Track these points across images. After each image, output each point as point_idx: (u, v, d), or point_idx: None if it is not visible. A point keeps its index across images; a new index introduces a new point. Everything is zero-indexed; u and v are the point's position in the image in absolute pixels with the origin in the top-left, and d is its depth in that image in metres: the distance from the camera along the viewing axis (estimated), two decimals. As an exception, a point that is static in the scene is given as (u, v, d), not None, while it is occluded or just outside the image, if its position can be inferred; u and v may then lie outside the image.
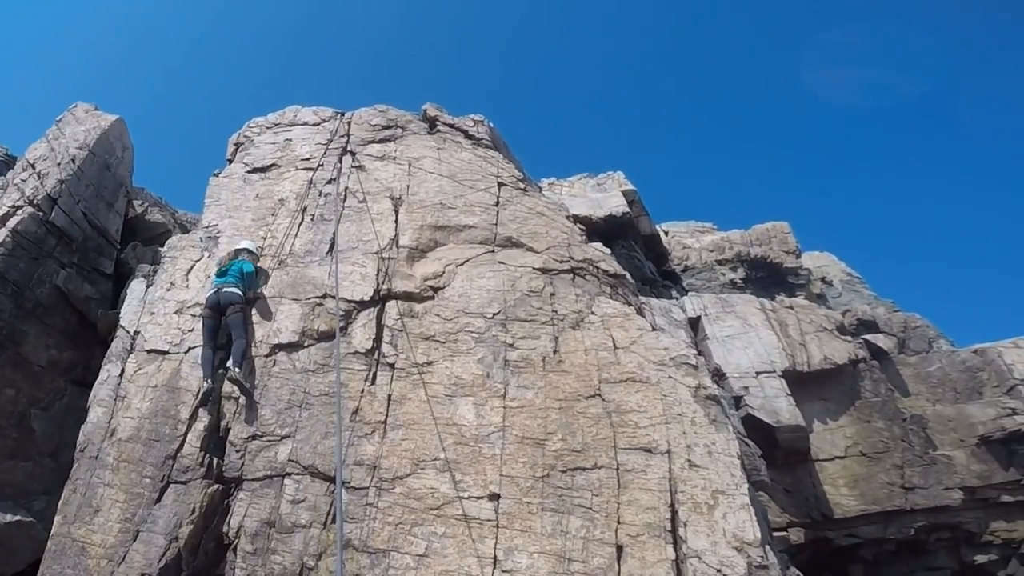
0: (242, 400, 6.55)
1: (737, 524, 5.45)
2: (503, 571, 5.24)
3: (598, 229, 12.55)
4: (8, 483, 8.34)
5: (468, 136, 10.59)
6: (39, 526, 7.55)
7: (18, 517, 7.86)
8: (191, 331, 7.36)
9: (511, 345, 6.69)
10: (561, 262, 7.80)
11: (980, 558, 15.61)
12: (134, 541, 5.93)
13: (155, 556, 5.79)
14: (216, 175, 9.89)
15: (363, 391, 6.45)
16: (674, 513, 5.54)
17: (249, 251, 7.77)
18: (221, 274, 7.41)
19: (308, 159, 9.66)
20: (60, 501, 6.45)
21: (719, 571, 5.16)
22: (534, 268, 7.61)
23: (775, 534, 12.77)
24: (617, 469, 5.80)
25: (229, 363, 6.70)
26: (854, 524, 14.92)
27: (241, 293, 7.15)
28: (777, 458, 13.91)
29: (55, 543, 6.11)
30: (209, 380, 6.69)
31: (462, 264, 7.68)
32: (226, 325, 7.03)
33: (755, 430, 13.01)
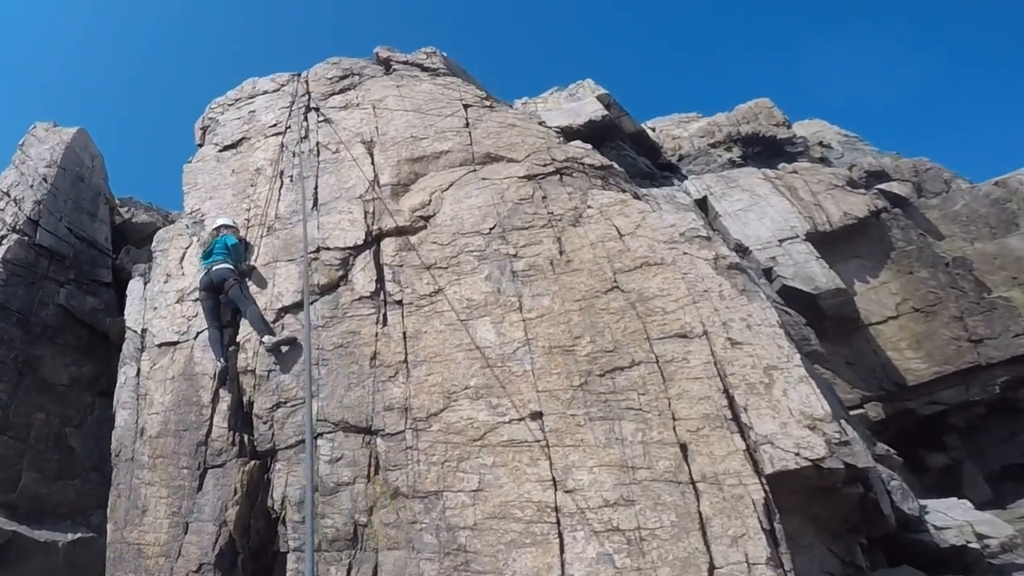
0: (260, 370, 6.34)
1: (801, 400, 4.95)
2: (566, 491, 4.85)
3: (581, 136, 12.02)
4: (62, 503, 8.40)
5: (424, 69, 10.27)
6: (100, 539, 7.58)
7: (79, 534, 7.96)
8: (196, 316, 7.17)
9: (515, 256, 6.35)
10: (545, 165, 7.45)
11: None
12: (186, 533, 5.84)
13: (208, 544, 5.69)
14: (189, 162, 9.65)
15: (376, 334, 6.16)
16: (730, 399, 5.04)
17: (227, 225, 7.50)
18: (207, 255, 7.16)
19: (275, 125, 9.35)
20: (108, 508, 6.38)
21: (797, 454, 4.69)
22: (519, 177, 7.26)
23: (853, 412, 11.73)
24: (657, 362, 5.34)
25: (251, 342, 6.46)
26: (932, 389, 13.38)
27: (231, 267, 6.87)
28: (828, 329, 12.70)
29: (112, 550, 6.07)
30: (222, 360, 6.49)
31: (447, 189, 7.35)
32: (228, 301, 6.79)
33: (795, 302, 11.89)
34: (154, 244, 8.53)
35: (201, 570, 5.60)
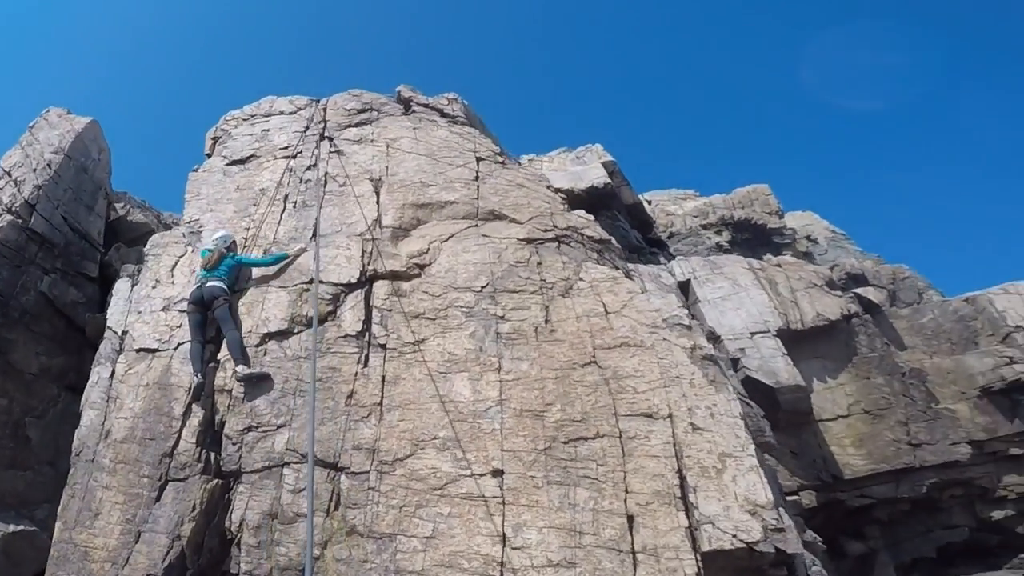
0: (236, 392, 6.45)
1: (748, 487, 5.28)
2: (513, 548, 5.10)
3: (581, 201, 12.37)
4: (9, 493, 8.28)
5: (443, 115, 10.53)
6: (43, 535, 7.49)
7: (21, 527, 7.81)
8: (179, 327, 7.24)
9: (502, 317, 6.57)
10: (545, 231, 7.70)
11: (996, 514, 15.23)
12: (136, 542, 5.84)
13: (159, 556, 5.70)
14: (195, 170, 9.80)
15: (356, 374, 6.33)
16: (682, 479, 5.37)
17: (225, 239, 7.67)
18: (212, 267, 7.27)
19: (286, 147, 9.56)
20: (60, 507, 6.35)
21: (735, 536, 5.00)
22: (519, 239, 7.50)
23: (788, 497, 12.63)
24: (620, 437, 5.64)
25: (231, 362, 6.58)
26: (865, 484, 14.62)
27: (225, 287, 7.03)
28: (780, 420, 13.68)
29: (57, 549, 6.02)
30: (200, 375, 6.57)
31: (446, 240, 7.57)
32: (213, 319, 6.92)
33: (755, 392, 12.79)
34: (147, 247, 8.60)
35: (146, 580, 5.60)
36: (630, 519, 5.17)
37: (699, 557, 4.93)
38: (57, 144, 11.45)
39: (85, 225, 11.20)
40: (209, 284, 7.02)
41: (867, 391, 15.09)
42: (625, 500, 5.27)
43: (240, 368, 6.43)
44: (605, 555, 4.98)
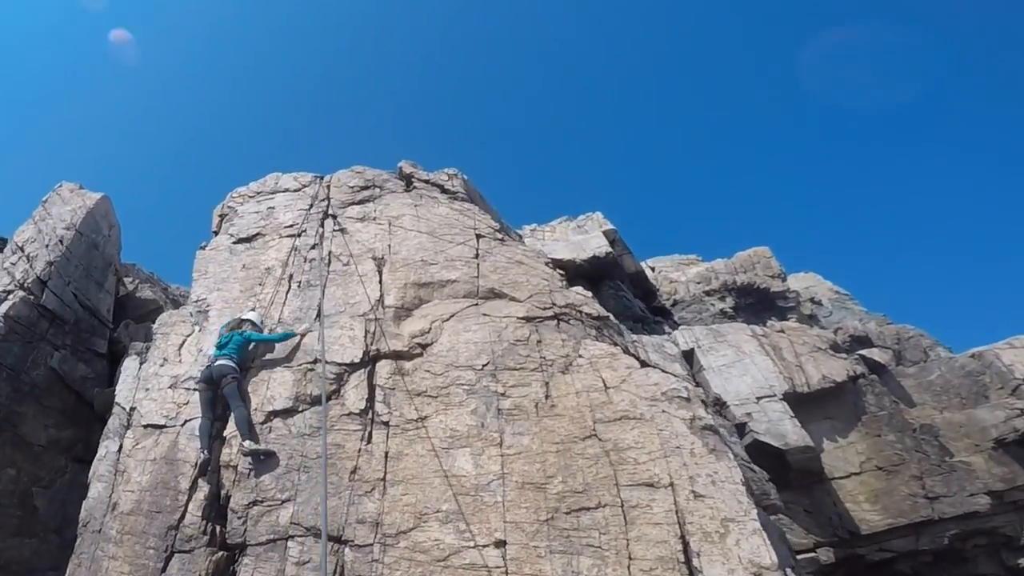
0: (242, 467, 6.63)
1: (751, 550, 5.39)
2: None
3: (583, 272, 12.74)
4: (14, 560, 8.42)
5: (444, 190, 10.87)
6: None
7: None
8: (186, 404, 7.49)
9: (503, 394, 6.79)
10: (544, 309, 7.96)
11: (1023, 562, 14.99)
12: None
13: None
14: (203, 248, 10.09)
15: (360, 450, 6.53)
16: (686, 544, 5.49)
17: (253, 323, 7.90)
18: (221, 346, 7.55)
19: (291, 226, 9.89)
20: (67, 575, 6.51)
21: None
22: (518, 317, 7.75)
23: (804, 555, 12.64)
24: (622, 506, 5.78)
25: (236, 438, 6.80)
26: (884, 539, 14.62)
27: (234, 365, 7.30)
28: (792, 480, 13.85)
29: None
30: (206, 451, 6.81)
31: (448, 319, 7.83)
32: (222, 396, 7.17)
33: (765, 455, 12.94)
34: (156, 326, 8.87)
35: (154, 652, 5.69)
36: None
37: None
38: (69, 220, 11.80)
39: (95, 302, 11.50)
40: (219, 363, 7.29)
41: (879, 448, 15.18)
42: (629, 567, 5.38)
43: (247, 443, 6.65)
44: None
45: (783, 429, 13.73)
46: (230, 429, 7.02)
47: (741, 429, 13.51)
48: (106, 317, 11.62)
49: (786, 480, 13.29)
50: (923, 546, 14.48)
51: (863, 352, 17.09)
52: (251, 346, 7.68)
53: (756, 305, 18.69)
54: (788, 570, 5.61)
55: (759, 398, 14.19)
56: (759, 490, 10.13)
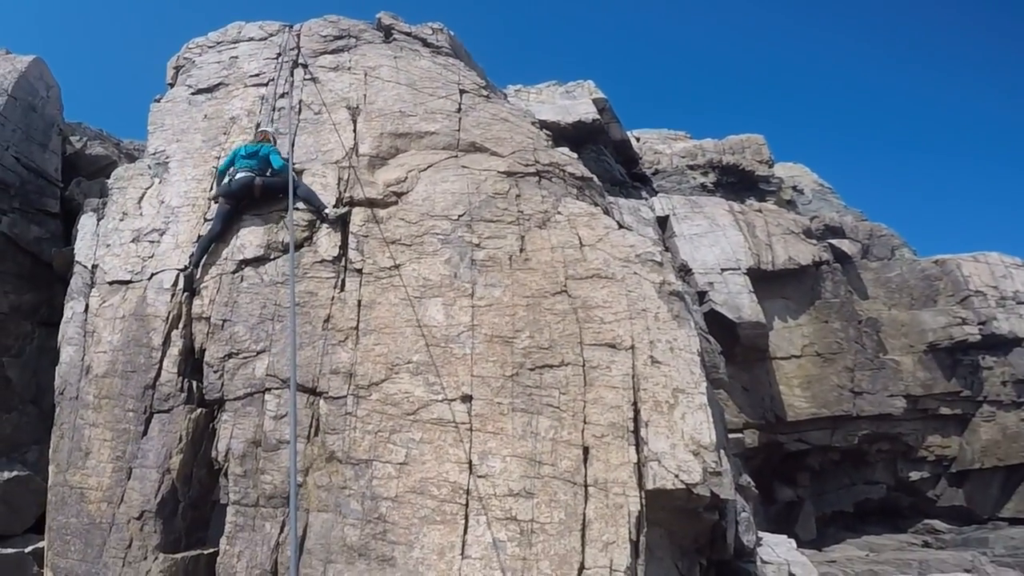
0: (215, 318, 6.78)
1: (695, 426, 5.65)
2: (478, 476, 5.48)
3: (567, 135, 12.70)
4: None
5: (427, 44, 10.65)
6: (37, 478, 7.79)
7: (15, 472, 8.01)
8: (151, 257, 7.59)
9: (477, 245, 6.96)
10: (526, 166, 8.04)
11: (914, 475, 17.14)
12: (128, 479, 6.25)
13: (151, 491, 6.12)
14: (157, 100, 9.90)
15: (333, 298, 6.76)
16: (637, 412, 5.73)
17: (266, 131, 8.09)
18: (250, 155, 7.63)
19: (258, 75, 9.71)
20: (50, 449, 6.70)
21: (676, 476, 5.38)
22: (499, 171, 7.82)
23: (731, 435, 13.69)
24: (583, 366, 6.00)
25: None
26: (804, 428, 16.03)
27: (255, 174, 7.45)
28: (737, 355, 14.79)
29: (54, 493, 6.42)
30: (197, 267, 7.11)
31: (425, 169, 7.90)
32: (275, 188, 7.40)
33: (717, 325, 13.89)
34: (111, 181, 8.79)
35: (143, 517, 6.06)
36: (585, 451, 5.57)
37: (643, 495, 5.35)
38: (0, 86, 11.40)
39: (40, 163, 11.30)
40: (239, 176, 7.43)
41: (823, 334, 16.45)
42: (583, 431, 5.67)
43: (330, 211, 7.25)
44: (560, 486, 5.40)
45: (740, 302, 14.66)
46: (203, 280, 7.17)
47: (701, 298, 14.45)
48: (54, 177, 11.45)
49: (732, 355, 14.20)
50: (836, 442, 16.21)
51: (833, 241, 18.00)
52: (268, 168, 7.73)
53: (737, 185, 19.03)
54: (722, 451, 5.88)
55: (723, 270, 15.07)
56: (710, 362, 10.73)
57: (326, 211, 7.25)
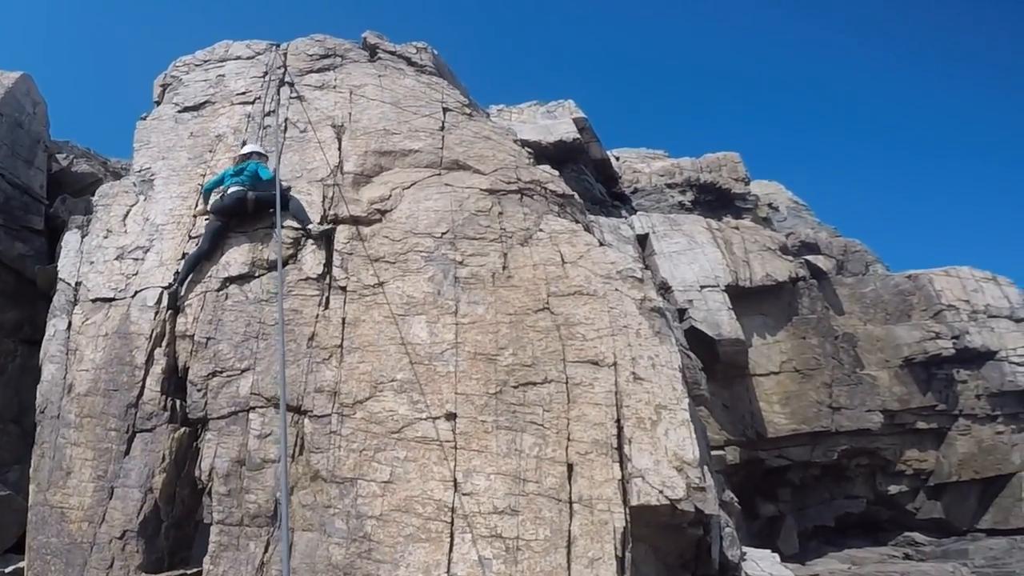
0: (199, 336, 6.76)
1: (678, 442, 5.67)
2: (463, 494, 5.48)
3: (547, 154, 12.75)
4: None
5: (411, 63, 10.69)
6: (18, 498, 7.71)
7: None
8: (135, 275, 7.52)
9: (461, 263, 6.97)
10: (509, 183, 8.06)
11: (893, 488, 17.35)
12: (110, 499, 6.15)
13: (133, 511, 6.04)
14: (143, 118, 9.85)
15: (317, 316, 6.74)
16: (620, 429, 5.75)
17: (260, 154, 7.98)
18: (236, 173, 7.60)
19: (244, 93, 9.71)
20: (31, 468, 6.58)
21: (660, 491, 5.39)
22: (481, 189, 7.85)
23: (713, 452, 13.80)
24: (566, 383, 6.02)
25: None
26: (784, 444, 16.22)
27: (246, 188, 7.41)
28: (717, 372, 14.96)
29: (35, 513, 6.29)
30: (182, 285, 7.04)
31: (408, 187, 7.91)
32: (267, 202, 7.31)
33: (697, 343, 14.00)
34: (96, 198, 8.72)
35: (125, 537, 5.97)
36: (570, 468, 5.58)
37: (628, 511, 5.36)
38: None
39: (26, 180, 11.27)
40: (232, 190, 7.41)
41: (801, 350, 16.67)
42: (567, 448, 5.68)
43: (313, 227, 7.16)
44: (545, 503, 5.41)
45: (719, 319, 14.85)
46: (187, 298, 7.11)
47: (681, 315, 14.66)
48: (39, 194, 11.42)
49: (712, 371, 14.38)
50: (816, 458, 16.41)
51: (808, 257, 18.31)
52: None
53: (714, 202, 19.37)
54: (706, 467, 5.92)
55: (703, 287, 15.29)
56: (691, 379, 10.79)
57: (310, 226, 7.25)
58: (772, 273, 16.49)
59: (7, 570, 7.14)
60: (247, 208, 7.39)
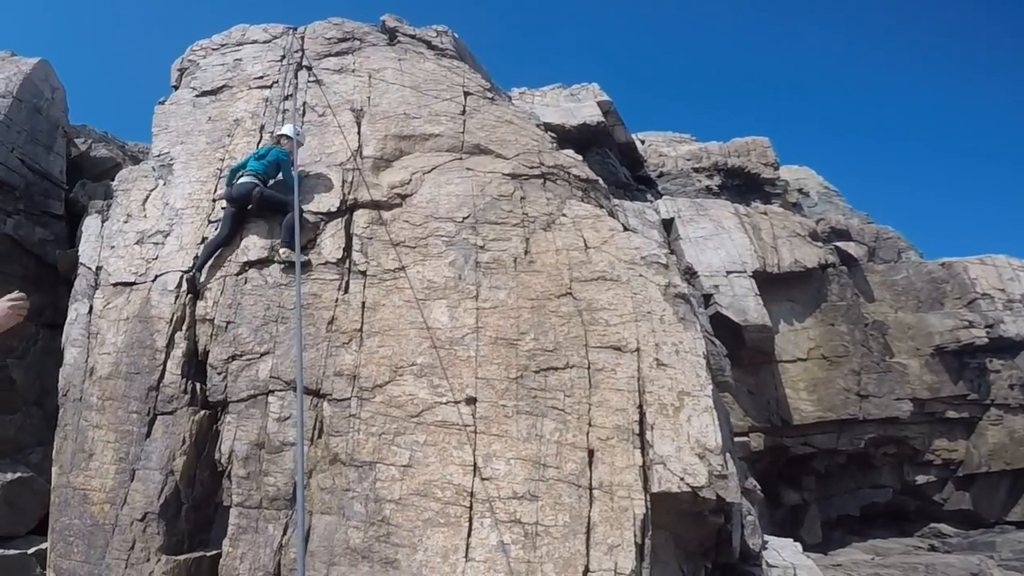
0: (219, 320, 6.81)
1: (700, 428, 5.65)
2: (483, 479, 5.49)
3: (571, 138, 12.70)
4: (1, 440, 8.56)
5: (431, 47, 10.67)
6: (40, 479, 7.80)
7: (18, 474, 7.99)
8: (155, 259, 7.59)
9: (482, 247, 6.97)
10: (531, 168, 8.04)
11: (920, 478, 17.09)
12: (132, 480, 6.23)
13: (154, 493, 6.11)
14: (161, 103, 9.93)
15: (337, 300, 6.77)
16: (642, 415, 5.73)
17: (290, 137, 7.95)
18: (260, 157, 7.62)
19: (262, 77, 9.74)
20: (54, 450, 6.69)
21: (682, 479, 5.37)
22: (503, 174, 7.83)
23: (737, 439, 13.64)
24: (588, 368, 6.02)
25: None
26: (810, 432, 15.95)
27: (258, 182, 7.40)
28: (743, 358, 14.80)
29: (57, 495, 6.40)
30: (201, 271, 7.08)
31: (429, 172, 7.91)
32: (271, 204, 7.34)
33: (722, 329, 13.86)
34: (115, 183, 8.82)
35: (146, 519, 6.04)
36: (590, 453, 5.58)
37: (648, 498, 5.35)
38: (4, 88, 11.47)
39: (46, 165, 11.36)
40: (241, 181, 7.41)
41: (829, 337, 16.38)
42: (588, 434, 5.67)
43: (283, 252, 6.99)
44: (565, 489, 5.41)
45: (746, 305, 14.63)
46: (208, 281, 7.18)
47: (706, 301, 14.48)
48: (59, 179, 11.51)
49: (737, 358, 14.22)
50: (842, 446, 16.08)
51: (839, 243, 17.97)
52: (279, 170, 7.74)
53: (742, 187, 19.06)
54: (728, 454, 5.88)
55: (729, 272, 15.05)
56: (716, 365, 10.68)
57: (281, 250, 7.05)
58: (801, 259, 16.26)
59: (30, 551, 7.27)
60: (251, 203, 7.37)
